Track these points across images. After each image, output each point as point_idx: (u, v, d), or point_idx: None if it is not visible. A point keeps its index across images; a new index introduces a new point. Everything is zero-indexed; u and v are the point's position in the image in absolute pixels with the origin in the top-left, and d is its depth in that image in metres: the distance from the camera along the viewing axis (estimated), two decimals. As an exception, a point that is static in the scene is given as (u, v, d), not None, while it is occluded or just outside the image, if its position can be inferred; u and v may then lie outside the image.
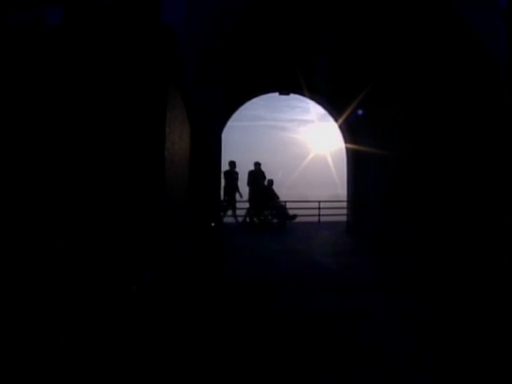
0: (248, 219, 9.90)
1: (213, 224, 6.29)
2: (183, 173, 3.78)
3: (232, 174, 9.41)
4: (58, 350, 1.90)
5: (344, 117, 8.03)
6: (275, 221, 9.82)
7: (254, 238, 7.95)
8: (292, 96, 8.51)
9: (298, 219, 10.26)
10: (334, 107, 8.56)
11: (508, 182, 4.51)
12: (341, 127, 8.79)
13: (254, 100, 8.43)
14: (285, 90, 8.20)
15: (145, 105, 1.88)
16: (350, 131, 8.49)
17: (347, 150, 8.88)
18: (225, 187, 9.09)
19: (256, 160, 10.28)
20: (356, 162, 8.47)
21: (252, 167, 10.08)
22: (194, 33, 4.29)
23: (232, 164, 9.56)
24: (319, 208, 11.54)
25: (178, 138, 2.67)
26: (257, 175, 9.83)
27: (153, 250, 2.39)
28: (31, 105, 2.08)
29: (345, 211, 9.49)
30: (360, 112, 7.44)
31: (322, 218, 11.73)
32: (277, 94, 8.37)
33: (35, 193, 2.11)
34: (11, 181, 2.01)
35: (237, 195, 9.57)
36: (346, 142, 8.86)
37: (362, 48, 6.20)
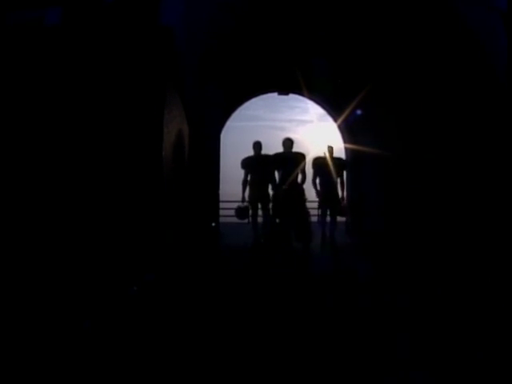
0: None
1: (213, 224, 6.29)
2: (182, 173, 3.79)
3: (257, 162, 6.02)
4: (58, 346, 1.91)
5: (343, 117, 8.05)
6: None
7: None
8: (291, 96, 8.52)
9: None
10: (333, 107, 8.58)
11: (508, 180, 4.53)
12: (340, 127, 8.81)
13: (253, 100, 8.44)
14: (284, 90, 8.21)
15: (142, 105, 1.89)
16: (348, 131, 8.51)
17: (346, 150, 8.89)
18: (244, 182, 6.04)
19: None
20: (355, 162, 8.48)
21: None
22: (193, 33, 4.31)
23: (257, 146, 6.09)
24: (318, 208, 11.50)
25: (176, 138, 2.68)
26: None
27: (152, 250, 2.40)
28: (31, 103, 2.09)
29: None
30: (359, 112, 7.47)
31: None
32: (276, 94, 8.39)
33: (37, 194, 2.12)
34: (9, 181, 2.02)
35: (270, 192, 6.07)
36: (344, 142, 8.88)
37: (362, 47, 6.21)
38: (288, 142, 6.06)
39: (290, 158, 5.97)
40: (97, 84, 1.94)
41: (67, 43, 2.03)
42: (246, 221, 6.22)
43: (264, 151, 6.10)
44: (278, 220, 5.88)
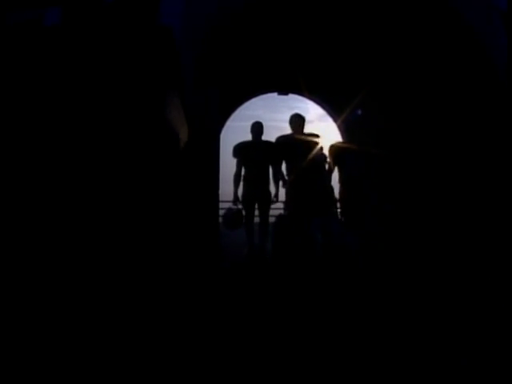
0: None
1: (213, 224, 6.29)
2: (182, 173, 3.79)
3: (254, 150, 4.36)
4: (58, 347, 1.91)
5: (342, 117, 8.06)
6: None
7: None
8: (291, 96, 8.54)
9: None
10: (332, 107, 8.59)
11: (509, 179, 4.54)
12: (339, 127, 8.83)
13: (253, 100, 8.47)
14: (283, 90, 8.23)
15: (142, 105, 1.89)
16: (348, 131, 8.52)
17: (346, 150, 8.89)
18: (236, 176, 4.50)
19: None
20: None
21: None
22: (192, 33, 4.31)
23: (256, 128, 4.50)
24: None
25: (176, 138, 2.68)
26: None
27: (151, 250, 2.40)
28: (30, 102, 2.09)
29: (344, 211, 9.47)
30: (357, 112, 7.48)
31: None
32: (275, 94, 8.40)
33: (35, 191, 2.12)
34: (7, 182, 2.02)
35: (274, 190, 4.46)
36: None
37: (362, 48, 6.22)
38: (298, 120, 4.19)
39: (302, 143, 4.13)
40: (96, 84, 1.94)
41: (67, 43, 2.03)
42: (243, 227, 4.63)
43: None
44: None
